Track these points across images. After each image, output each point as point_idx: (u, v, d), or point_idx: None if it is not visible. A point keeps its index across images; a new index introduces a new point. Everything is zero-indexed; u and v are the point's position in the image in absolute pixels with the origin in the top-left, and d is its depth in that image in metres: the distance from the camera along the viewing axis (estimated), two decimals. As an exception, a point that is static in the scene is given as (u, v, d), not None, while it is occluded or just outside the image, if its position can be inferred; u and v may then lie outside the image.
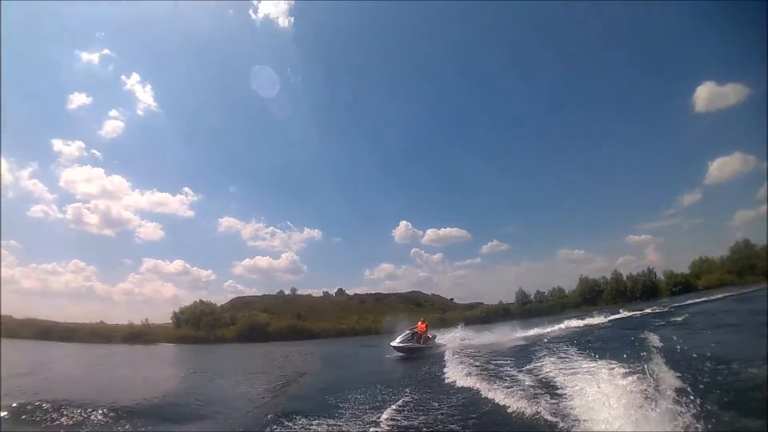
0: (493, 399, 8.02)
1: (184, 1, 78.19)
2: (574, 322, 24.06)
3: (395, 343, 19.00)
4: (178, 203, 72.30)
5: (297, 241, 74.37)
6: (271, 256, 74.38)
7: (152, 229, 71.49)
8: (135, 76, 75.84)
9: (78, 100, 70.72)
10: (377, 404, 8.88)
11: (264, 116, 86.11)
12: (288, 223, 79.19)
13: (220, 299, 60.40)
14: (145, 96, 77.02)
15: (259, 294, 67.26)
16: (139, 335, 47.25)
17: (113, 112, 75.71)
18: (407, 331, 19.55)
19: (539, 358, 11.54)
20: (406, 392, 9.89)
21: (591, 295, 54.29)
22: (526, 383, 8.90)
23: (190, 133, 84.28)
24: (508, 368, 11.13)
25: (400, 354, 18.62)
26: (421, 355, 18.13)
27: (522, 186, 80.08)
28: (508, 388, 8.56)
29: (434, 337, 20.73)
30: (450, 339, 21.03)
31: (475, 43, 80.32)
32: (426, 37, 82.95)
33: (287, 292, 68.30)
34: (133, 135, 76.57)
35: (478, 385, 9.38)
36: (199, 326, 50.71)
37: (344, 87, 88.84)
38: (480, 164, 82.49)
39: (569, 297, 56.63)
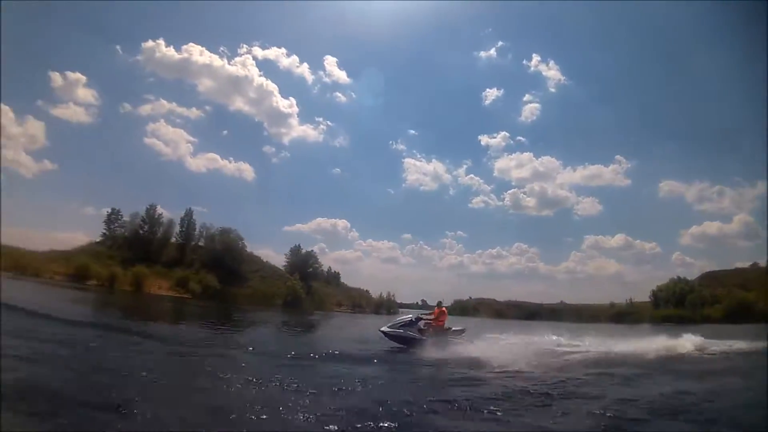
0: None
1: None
2: None
3: (385, 328, 14.61)
4: (612, 173, 67.87)
5: (749, 198, 60.52)
6: (720, 219, 65.11)
7: (590, 204, 70.32)
8: (535, 57, 75.33)
9: (491, 95, 76.98)
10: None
11: (682, 66, 74.86)
12: (736, 178, 65.21)
13: (667, 274, 57.82)
14: (552, 73, 74.12)
15: (729, 267, 55.58)
16: (625, 314, 48.50)
17: (527, 97, 78.98)
18: (409, 317, 15.12)
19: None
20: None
21: None
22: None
23: (607, 99, 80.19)
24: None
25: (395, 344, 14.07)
26: (413, 349, 13.34)
27: None
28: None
29: (460, 332, 14.92)
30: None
31: None
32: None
33: (749, 264, 54.26)
34: (552, 113, 78.19)
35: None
36: (683, 305, 47.74)
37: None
38: None
39: None
